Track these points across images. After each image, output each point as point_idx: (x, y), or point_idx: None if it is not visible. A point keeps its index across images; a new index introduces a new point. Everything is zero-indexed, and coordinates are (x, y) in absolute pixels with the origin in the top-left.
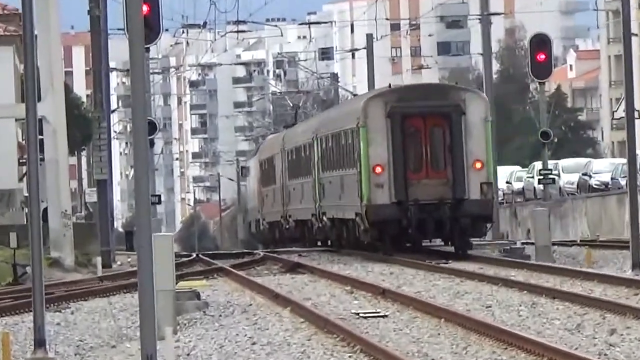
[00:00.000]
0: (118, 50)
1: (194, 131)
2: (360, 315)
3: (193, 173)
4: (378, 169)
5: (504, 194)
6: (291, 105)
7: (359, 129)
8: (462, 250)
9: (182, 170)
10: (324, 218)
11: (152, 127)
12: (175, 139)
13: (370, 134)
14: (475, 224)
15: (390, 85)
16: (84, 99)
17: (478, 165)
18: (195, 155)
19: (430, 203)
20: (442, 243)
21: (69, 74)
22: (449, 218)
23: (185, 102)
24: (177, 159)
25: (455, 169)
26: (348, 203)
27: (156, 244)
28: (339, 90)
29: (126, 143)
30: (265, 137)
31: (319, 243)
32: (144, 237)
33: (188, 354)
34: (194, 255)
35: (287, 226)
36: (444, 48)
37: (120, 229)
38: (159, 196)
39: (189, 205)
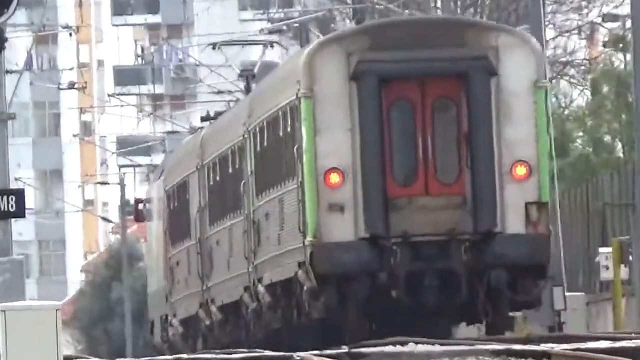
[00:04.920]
0: None
1: (120, 7)
2: None
3: (118, 130)
4: (334, 177)
5: None
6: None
7: (300, 102)
8: (495, 329)
9: (86, 120)
10: (260, 287)
11: None
12: (69, 28)
13: (320, 111)
14: (519, 280)
15: (356, 20)
16: None
17: (521, 170)
18: (122, 79)
19: (431, 241)
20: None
21: None
22: (467, 269)
23: None
24: (73, 86)
25: (478, 177)
26: (287, 247)
27: (11, 335)
28: None
29: None
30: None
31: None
32: None
33: None
34: None
35: (208, 322)
36: None
37: None
38: (19, 193)
39: (106, 221)
